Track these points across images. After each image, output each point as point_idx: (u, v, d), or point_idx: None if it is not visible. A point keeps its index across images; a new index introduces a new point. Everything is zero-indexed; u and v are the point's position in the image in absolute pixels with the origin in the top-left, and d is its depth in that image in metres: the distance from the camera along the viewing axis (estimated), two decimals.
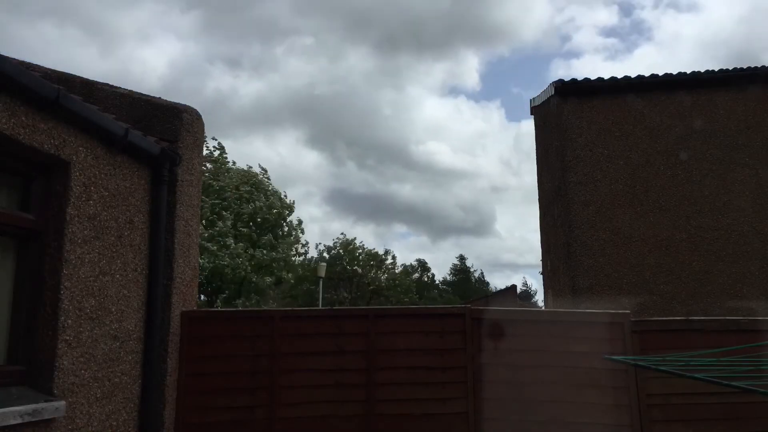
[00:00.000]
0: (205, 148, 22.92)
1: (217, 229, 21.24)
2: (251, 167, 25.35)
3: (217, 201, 21.66)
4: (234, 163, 24.72)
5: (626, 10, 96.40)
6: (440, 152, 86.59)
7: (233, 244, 21.49)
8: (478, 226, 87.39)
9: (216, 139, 24.88)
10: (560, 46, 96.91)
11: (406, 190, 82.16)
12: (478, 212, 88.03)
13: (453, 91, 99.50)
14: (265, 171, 25.65)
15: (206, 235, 20.48)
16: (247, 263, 22.03)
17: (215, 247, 20.82)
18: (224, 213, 21.88)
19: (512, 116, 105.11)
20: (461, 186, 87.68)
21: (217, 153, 23.95)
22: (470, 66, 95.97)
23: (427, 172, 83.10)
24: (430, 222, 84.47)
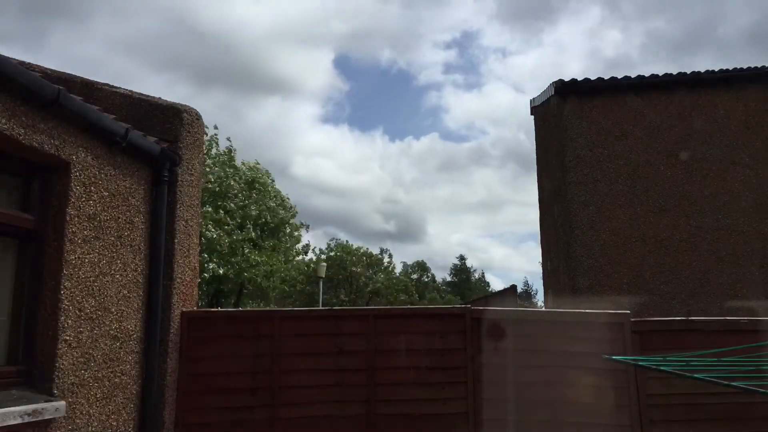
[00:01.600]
0: (214, 148, 22.84)
1: (241, 236, 21.05)
2: (258, 163, 25.11)
3: (223, 204, 21.46)
4: (243, 163, 24.54)
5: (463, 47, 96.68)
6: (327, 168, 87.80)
7: (250, 253, 21.36)
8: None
9: (230, 140, 24.77)
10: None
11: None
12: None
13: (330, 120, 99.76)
14: (269, 174, 25.47)
15: (226, 242, 20.27)
16: (260, 270, 21.97)
17: (238, 259, 20.67)
18: (244, 222, 21.67)
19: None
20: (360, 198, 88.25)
21: (225, 152, 23.73)
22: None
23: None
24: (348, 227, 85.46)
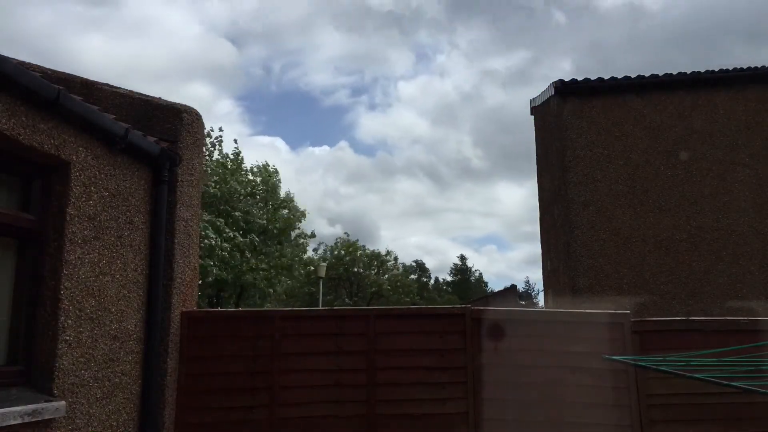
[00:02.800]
0: (217, 151, 22.71)
1: (243, 241, 20.99)
2: (267, 164, 24.97)
3: (225, 208, 21.35)
4: (251, 168, 24.41)
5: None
6: None
7: (252, 259, 21.30)
8: None
9: (236, 142, 24.69)
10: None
11: None
12: None
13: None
14: (277, 172, 25.30)
15: (227, 248, 20.23)
16: (261, 274, 21.93)
17: (238, 263, 20.62)
18: (243, 225, 21.59)
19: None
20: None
21: (231, 155, 23.63)
22: None
23: None
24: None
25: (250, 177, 23.61)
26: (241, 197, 22.06)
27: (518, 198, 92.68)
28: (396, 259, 44.68)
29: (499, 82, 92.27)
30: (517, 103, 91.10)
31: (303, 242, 27.01)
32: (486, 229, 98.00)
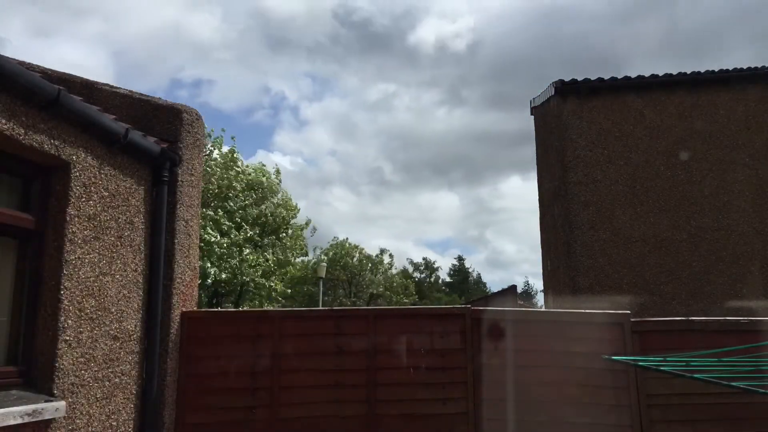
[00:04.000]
0: (216, 150, 22.74)
1: (239, 237, 20.99)
2: (264, 165, 25.08)
3: (223, 204, 21.38)
4: (247, 166, 24.47)
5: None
6: None
7: (250, 255, 21.32)
8: None
9: (234, 139, 24.77)
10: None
11: None
12: None
13: None
14: (278, 172, 25.36)
15: (224, 244, 20.24)
16: (259, 270, 21.94)
17: (235, 260, 20.64)
18: (239, 220, 21.61)
19: None
20: None
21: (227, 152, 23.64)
22: None
23: None
24: None
25: (250, 175, 23.64)
26: (238, 193, 22.13)
27: (454, 204, 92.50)
28: (392, 256, 44.73)
29: (397, 102, 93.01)
30: (418, 120, 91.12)
31: (300, 235, 27.04)
32: (439, 234, 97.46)
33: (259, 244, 22.87)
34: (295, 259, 27.57)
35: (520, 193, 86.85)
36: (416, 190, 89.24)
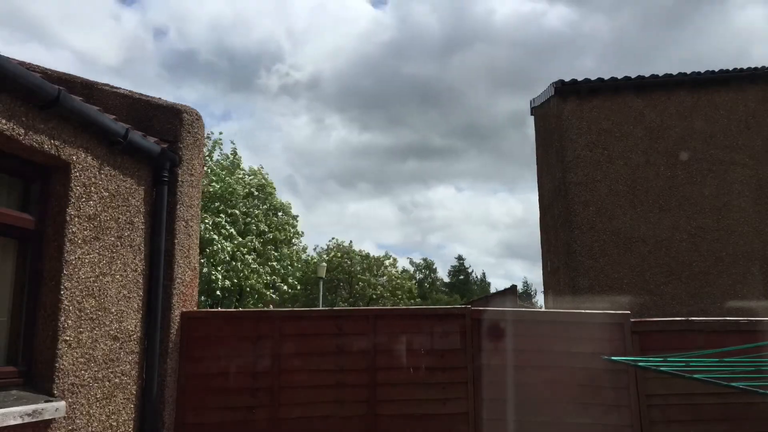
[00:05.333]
0: (217, 151, 22.72)
1: (244, 241, 20.97)
2: (262, 167, 25.03)
3: (226, 209, 21.32)
4: (250, 168, 24.42)
5: None
6: None
7: (254, 263, 21.31)
8: None
9: (234, 143, 24.74)
10: None
11: None
12: None
13: None
14: (271, 183, 25.31)
15: (228, 249, 20.22)
16: (264, 279, 21.93)
17: (240, 265, 20.62)
18: (243, 225, 21.57)
19: None
20: None
21: (230, 156, 23.62)
22: None
23: None
24: None
25: (248, 179, 23.62)
26: (240, 198, 22.07)
27: (385, 212, 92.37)
28: (395, 259, 44.66)
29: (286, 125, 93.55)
30: (311, 139, 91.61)
31: (298, 242, 27.07)
32: (389, 239, 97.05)
33: (261, 253, 22.78)
34: (296, 264, 27.51)
35: (455, 202, 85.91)
36: (331, 201, 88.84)
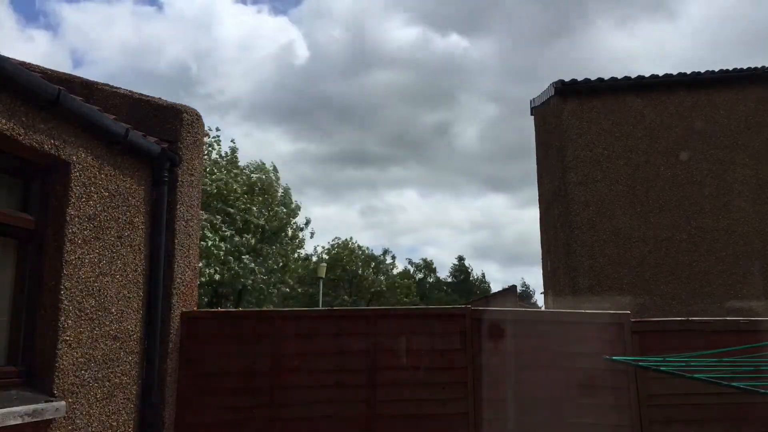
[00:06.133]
0: (215, 151, 22.68)
1: (240, 241, 20.97)
2: (263, 163, 24.93)
3: (223, 207, 21.29)
4: (249, 163, 24.37)
5: None
6: None
7: (248, 260, 21.29)
8: None
9: (234, 142, 24.69)
10: None
11: None
12: None
13: None
14: (276, 170, 25.20)
15: (224, 247, 20.22)
16: (261, 276, 21.91)
17: (235, 263, 20.62)
18: (240, 225, 21.54)
19: None
20: None
21: (228, 152, 23.58)
22: None
23: None
24: None
25: (252, 175, 23.55)
26: (239, 196, 22.03)
27: (342, 215, 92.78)
28: (394, 257, 44.70)
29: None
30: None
31: (299, 239, 26.97)
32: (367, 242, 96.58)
33: (260, 251, 22.74)
34: (295, 262, 27.45)
35: (413, 206, 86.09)
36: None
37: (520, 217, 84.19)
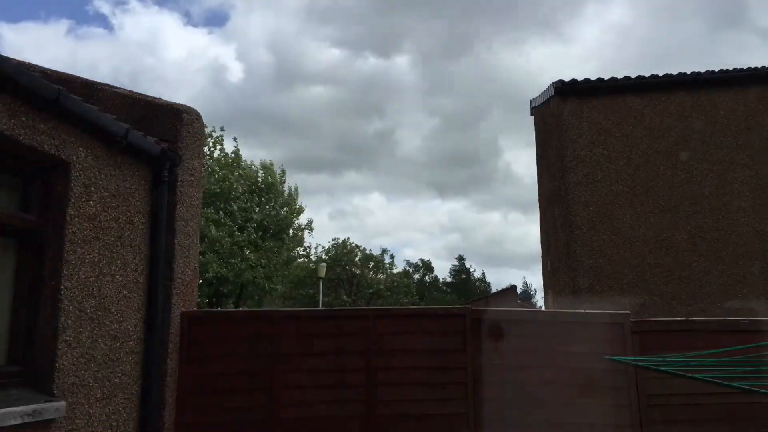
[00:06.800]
0: (218, 149, 22.67)
1: (242, 237, 20.98)
2: (272, 163, 24.93)
3: (225, 206, 21.32)
4: (252, 163, 24.37)
5: None
6: None
7: (251, 255, 21.30)
8: None
9: (236, 140, 24.67)
10: None
11: None
12: None
13: None
14: (284, 173, 25.23)
15: (227, 243, 20.24)
16: (261, 271, 21.91)
17: (237, 260, 20.64)
18: (242, 222, 21.57)
19: None
20: None
21: (232, 153, 23.57)
22: None
23: None
24: None
25: (259, 174, 23.55)
26: (239, 194, 22.06)
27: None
28: (393, 257, 44.76)
29: None
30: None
31: (300, 236, 26.99)
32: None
33: (260, 247, 22.77)
34: (297, 258, 27.49)
35: (380, 209, 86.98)
36: None
37: (486, 220, 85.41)
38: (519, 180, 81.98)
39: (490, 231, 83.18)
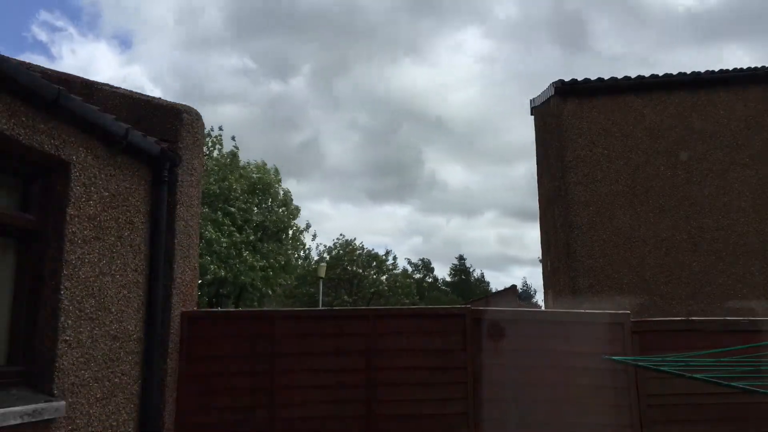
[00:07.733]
0: (217, 149, 22.66)
1: (240, 238, 20.98)
2: (266, 163, 24.94)
3: (224, 206, 21.32)
4: (248, 163, 24.39)
5: None
6: None
7: (249, 257, 21.31)
8: None
9: (234, 140, 24.67)
10: None
11: None
12: None
13: None
14: (278, 172, 25.22)
15: (224, 243, 20.25)
16: (259, 274, 21.91)
17: (235, 261, 20.64)
18: (241, 223, 21.57)
19: None
20: None
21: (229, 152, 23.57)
22: None
23: None
24: None
25: (253, 174, 23.56)
26: (239, 195, 22.06)
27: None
28: (395, 258, 44.71)
29: None
30: None
31: (300, 238, 26.98)
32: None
33: (258, 248, 22.75)
34: (297, 261, 27.48)
35: (341, 215, 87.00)
36: None
37: (438, 223, 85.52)
38: (445, 185, 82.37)
39: (448, 234, 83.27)
